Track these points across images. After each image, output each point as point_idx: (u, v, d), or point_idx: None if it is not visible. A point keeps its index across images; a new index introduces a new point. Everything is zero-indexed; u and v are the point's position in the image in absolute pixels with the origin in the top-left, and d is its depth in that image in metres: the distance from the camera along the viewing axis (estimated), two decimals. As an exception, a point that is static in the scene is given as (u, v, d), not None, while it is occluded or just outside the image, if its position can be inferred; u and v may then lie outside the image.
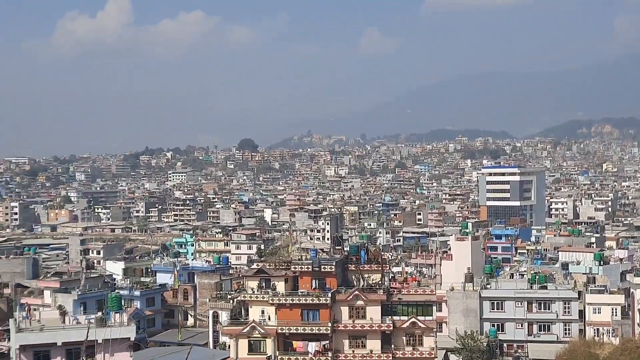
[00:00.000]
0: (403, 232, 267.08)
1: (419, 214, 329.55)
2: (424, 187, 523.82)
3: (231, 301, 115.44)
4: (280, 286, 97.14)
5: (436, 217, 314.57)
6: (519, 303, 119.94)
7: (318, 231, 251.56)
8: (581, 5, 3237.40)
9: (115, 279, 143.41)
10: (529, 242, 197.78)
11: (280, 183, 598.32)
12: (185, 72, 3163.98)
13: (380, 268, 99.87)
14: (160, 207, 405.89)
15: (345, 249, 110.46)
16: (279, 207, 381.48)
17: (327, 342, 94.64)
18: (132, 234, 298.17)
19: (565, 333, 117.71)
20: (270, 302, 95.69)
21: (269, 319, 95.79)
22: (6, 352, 64.17)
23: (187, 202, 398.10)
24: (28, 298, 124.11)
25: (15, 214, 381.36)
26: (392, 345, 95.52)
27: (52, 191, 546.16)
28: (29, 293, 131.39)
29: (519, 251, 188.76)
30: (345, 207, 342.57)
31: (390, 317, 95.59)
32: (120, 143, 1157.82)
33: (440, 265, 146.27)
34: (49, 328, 68.76)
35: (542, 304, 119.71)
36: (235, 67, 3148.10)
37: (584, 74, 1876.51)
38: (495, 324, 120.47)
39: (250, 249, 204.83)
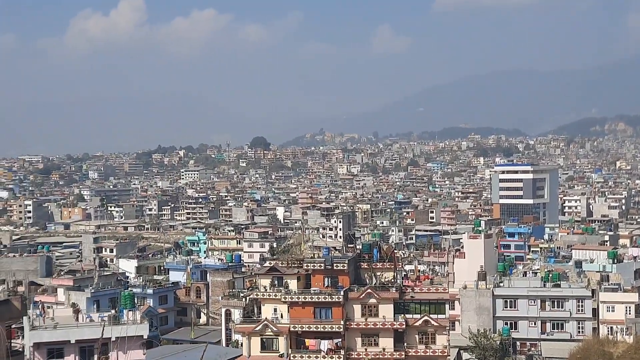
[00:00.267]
0: (415, 230, 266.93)
1: (432, 212, 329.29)
2: (437, 185, 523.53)
3: (244, 299, 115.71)
4: (293, 284, 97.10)
5: (449, 215, 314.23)
6: (532, 301, 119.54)
7: (330, 229, 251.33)
8: (594, 3, 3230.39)
9: (128, 276, 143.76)
10: (542, 240, 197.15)
11: (293, 181, 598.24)
12: (198, 71, 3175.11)
13: (392, 266, 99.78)
14: (172, 205, 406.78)
15: (357, 247, 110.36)
16: (291, 205, 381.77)
17: (340, 340, 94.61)
18: (144, 232, 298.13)
19: (579, 331, 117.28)
20: (283, 300, 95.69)
21: (282, 317, 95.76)
22: (20, 349, 64.22)
23: (200, 200, 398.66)
24: (42, 296, 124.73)
25: (29, 212, 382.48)
26: (405, 344, 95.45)
27: (65, 189, 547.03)
28: (43, 291, 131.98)
29: (532, 249, 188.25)
30: (357, 205, 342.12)
31: (402, 315, 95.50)
32: (133, 141, 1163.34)
33: (453, 263, 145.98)
34: (62, 326, 68.93)
35: (556, 302, 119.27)
36: (248, 66, 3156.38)
37: (598, 71, 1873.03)
38: (509, 322, 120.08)
39: (262, 247, 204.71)
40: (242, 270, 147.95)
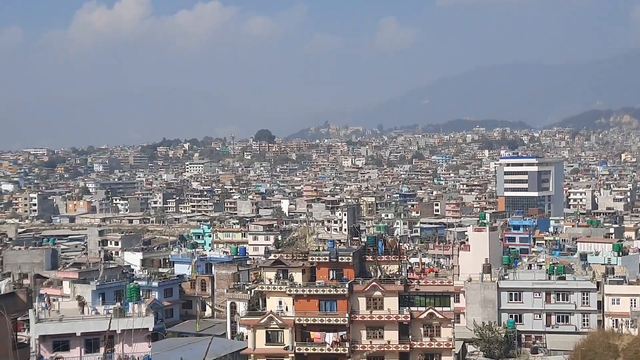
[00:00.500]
0: (420, 222, 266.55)
1: (437, 204, 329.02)
2: (442, 178, 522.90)
3: (249, 292, 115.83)
4: (298, 277, 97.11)
5: (454, 208, 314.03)
6: (537, 294, 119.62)
7: (335, 222, 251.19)
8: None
9: (133, 269, 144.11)
10: (547, 233, 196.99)
11: (297, 174, 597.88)
12: (202, 63, 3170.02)
13: (397, 259, 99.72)
14: (177, 198, 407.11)
15: (362, 239, 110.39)
16: (296, 198, 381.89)
17: (345, 332, 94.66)
18: (149, 225, 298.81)
19: (584, 324, 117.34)
20: (288, 292, 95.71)
21: (287, 309, 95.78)
22: (26, 342, 64.43)
23: (205, 193, 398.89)
24: (47, 288, 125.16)
25: (34, 205, 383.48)
26: (410, 336, 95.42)
27: (70, 182, 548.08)
28: (48, 284, 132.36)
29: (537, 242, 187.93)
30: (362, 197, 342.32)
31: (407, 308, 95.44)
32: (137, 134, 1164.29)
33: (458, 256, 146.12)
34: (68, 318, 69.19)
35: (561, 295, 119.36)
36: (252, 58, 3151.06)
37: (603, 64, 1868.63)
38: (514, 314, 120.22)
39: (267, 239, 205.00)
40: (247, 263, 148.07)
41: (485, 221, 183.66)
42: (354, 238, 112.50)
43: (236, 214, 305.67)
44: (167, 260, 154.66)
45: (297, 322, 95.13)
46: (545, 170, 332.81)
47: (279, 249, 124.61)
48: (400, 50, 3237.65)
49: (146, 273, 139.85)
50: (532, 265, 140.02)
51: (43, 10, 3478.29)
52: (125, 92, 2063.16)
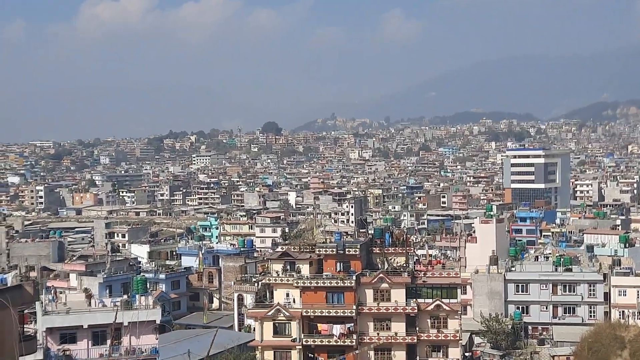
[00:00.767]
0: (427, 214, 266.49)
1: (444, 196, 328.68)
2: (448, 170, 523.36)
3: (256, 284, 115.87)
4: (305, 269, 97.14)
5: (460, 200, 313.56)
6: (544, 285, 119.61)
7: (342, 214, 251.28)
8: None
9: (140, 262, 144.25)
10: (554, 225, 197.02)
11: (304, 166, 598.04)
12: (208, 56, 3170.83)
13: (404, 251, 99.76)
14: (184, 190, 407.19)
15: (369, 231, 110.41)
16: (303, 190, 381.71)
17: (352, 324, 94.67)
18: (156, 218, 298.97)
19: (591, 315, 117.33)
20: (295, 284, 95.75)
21: (294, 301, 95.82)
22: (33, 334, 64.45)
23: (212, 185, 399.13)
24: (54, 281, 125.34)
25: (41, 197, 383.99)
26: (417, 328, 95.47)
27: (77, 175, 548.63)
28: (55, 276, 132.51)
29: (543, 234, 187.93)
30: (369, 190, 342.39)
31: (414, 299, 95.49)
32: (144, 127, 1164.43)
33: (465, 248, 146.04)
34: (75, 311, 69.30)
35: (567, 287, 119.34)
36: (258, 51, 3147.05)
37: (610, 56, 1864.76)
38: (520, 306, 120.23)
39: (274, 232, 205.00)
40: (254, 255, 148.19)
41: (492, 213, 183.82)
42: (361, 230, 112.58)
43: (243, 206, 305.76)
44: (174, 253, 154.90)
45: (304, 314, 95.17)
46: (551, 162, 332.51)
47: (286, 241, 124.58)
48: (405, 43, 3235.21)
49: (153, 265, 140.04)
50: (539, 257, 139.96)
51: (48, 2, 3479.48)
52: (130, 85, 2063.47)
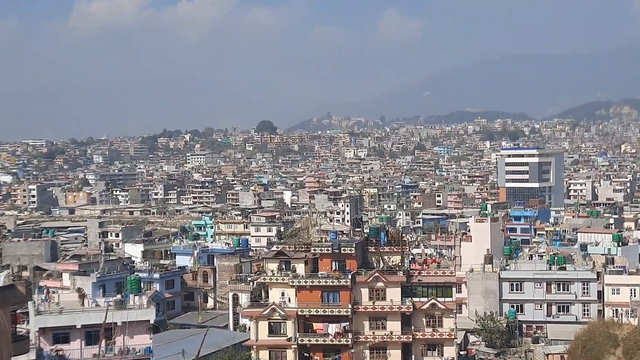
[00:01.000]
0: (422, 213, 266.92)
1: (439, 195, 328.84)
2: (443, 169, 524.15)
3: (251, 283, 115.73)
4: (300, 268, 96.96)
5: (455, 199, 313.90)
6: (538, 284, 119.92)
7: (338, 213, 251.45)
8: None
9: (134, 261, 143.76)
10: (548, 224, 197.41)
11: (300, 165, 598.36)
12: (204, 54, 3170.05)
13: (400, 250, 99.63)
14: (179, 189, 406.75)
15: (365, 231, 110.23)
16: (298, 189, 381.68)
17: (347, 323, 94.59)
18: (150, 217, 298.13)
19: (584, 314, 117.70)
20: (291, 284, 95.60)
21: (289, 301, 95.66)
22: (25, 334, 64.20)
23: (206, 184, 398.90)
24: (47, 281, 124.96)
25: (33, 196, 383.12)
26: (412, 327, 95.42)
27: (70, 174, 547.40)
28: (48, 276, 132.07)
29: (537, 232, 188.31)
30: (364, 189, 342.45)
31: (410, 298, 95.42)
32: (138, 125, 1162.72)
33: (460, 246, 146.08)
34: (68, 311, 69.09)
35: (561, 285, 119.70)
36: (254, 49, 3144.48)
37: (603, 55, 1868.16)
38: (515, 305, 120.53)
39: (269, 231, 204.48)
40: (250, 254, 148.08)
41: (486, 212, 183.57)
42: (356, 229, 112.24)
43: (238, 205, 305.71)
44: (168, 252, 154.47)
45: (299, 313, 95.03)
46: (545, 161, 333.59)
47: (282, 241, 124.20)
48: (402, 42, 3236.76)
49: (147, 265, 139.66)
50: (533, 255, 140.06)
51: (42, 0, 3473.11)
52: (126, 83, 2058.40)
